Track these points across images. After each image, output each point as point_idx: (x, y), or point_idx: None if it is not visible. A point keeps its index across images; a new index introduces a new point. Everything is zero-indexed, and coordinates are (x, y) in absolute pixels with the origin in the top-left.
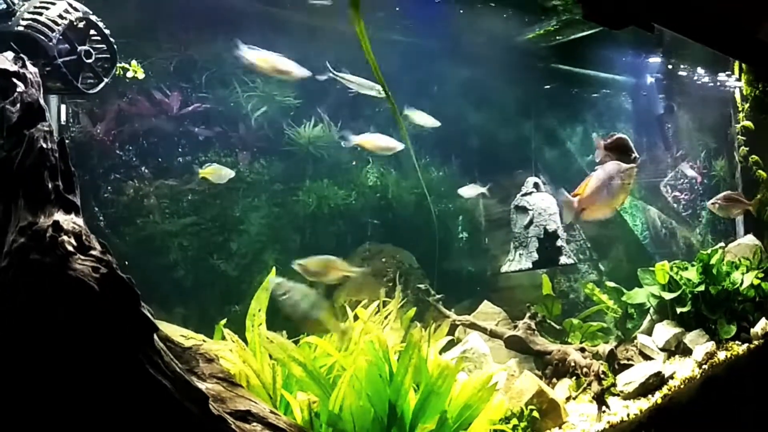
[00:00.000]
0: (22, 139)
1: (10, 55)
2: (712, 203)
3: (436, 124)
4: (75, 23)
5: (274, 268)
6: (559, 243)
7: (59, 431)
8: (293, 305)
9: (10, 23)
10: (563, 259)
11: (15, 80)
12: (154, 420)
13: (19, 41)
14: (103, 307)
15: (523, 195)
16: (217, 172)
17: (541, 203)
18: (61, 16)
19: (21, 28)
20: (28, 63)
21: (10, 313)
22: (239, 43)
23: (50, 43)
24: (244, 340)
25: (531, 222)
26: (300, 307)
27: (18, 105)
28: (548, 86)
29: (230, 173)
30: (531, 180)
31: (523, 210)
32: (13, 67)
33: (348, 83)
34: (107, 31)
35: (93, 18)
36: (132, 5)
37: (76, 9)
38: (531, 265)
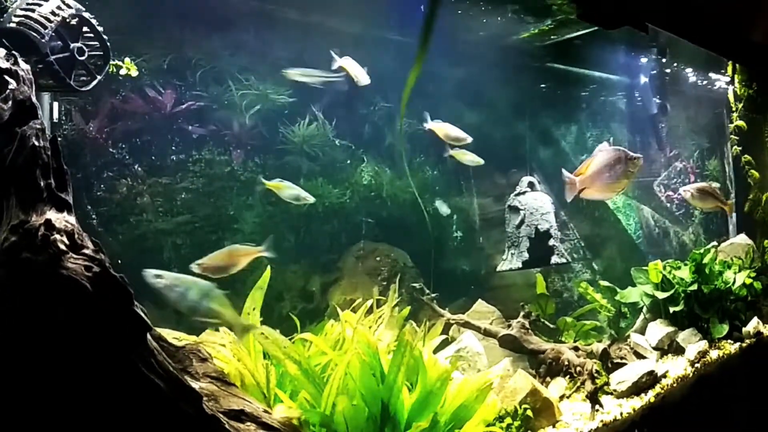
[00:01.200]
0: (13, 136)
1: (1, 51)
2: (685, 190)
3: (480, 162)
4: (68, 20)
5: (269, 267)
6: (551, 242)
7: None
8: (178, 298)
9: (2, 20)
10: (555, 259)
11: (7, 77)
12: (147, 420)
13: (11, 38)
14: (96, 306)
15: (516, 195)
16: (287, 190)
17: (533, 203)
18: (53, 13)
19: (13, 25)
20: (20, 60)
21: (2, 313)
22: None
23: (43, 40)
24: None
25: (522, 222)
26: (187, 299)
27: (10, 102)
28: (543, 86)
29: (305, 197)
30: (525, 179)
31: (515, 210)
32: (5, 64)
33: (305, 79)
34: (100, 28)
35: (86, 15)
36: (125, 2)
37: (69, 6)
38: (521, 265)
